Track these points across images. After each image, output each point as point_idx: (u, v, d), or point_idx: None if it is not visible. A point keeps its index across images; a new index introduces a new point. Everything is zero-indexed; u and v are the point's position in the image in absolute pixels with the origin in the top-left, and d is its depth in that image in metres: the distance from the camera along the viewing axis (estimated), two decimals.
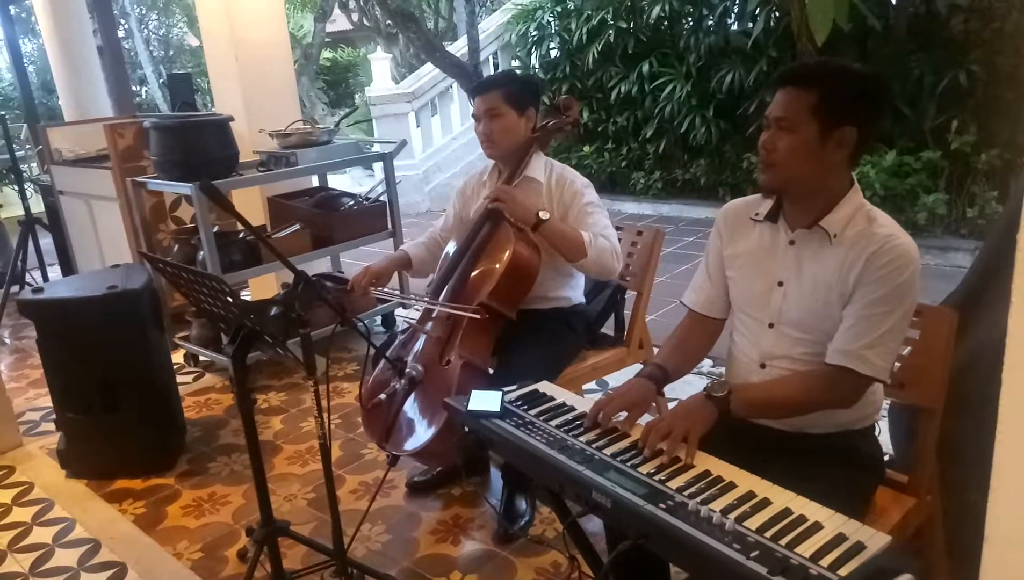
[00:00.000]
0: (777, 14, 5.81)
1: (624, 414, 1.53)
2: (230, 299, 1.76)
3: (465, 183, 2.59)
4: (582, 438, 1.45)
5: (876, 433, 1.65)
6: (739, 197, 1.74)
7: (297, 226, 3.60)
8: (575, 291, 2.47)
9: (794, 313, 1.55)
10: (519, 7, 7.87)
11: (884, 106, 2.06)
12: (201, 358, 3.82)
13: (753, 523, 1.17)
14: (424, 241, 2.59)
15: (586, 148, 7.26)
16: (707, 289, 1.75)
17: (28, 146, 6.92)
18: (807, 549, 1.11)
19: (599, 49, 6.96)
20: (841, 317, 1.49)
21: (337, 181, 6.62)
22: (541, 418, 1.54)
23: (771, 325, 1.59)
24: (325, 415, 1.69)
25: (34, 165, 6.92)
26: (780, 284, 1.58)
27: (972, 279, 2.03)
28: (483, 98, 2.32)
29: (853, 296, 1.48)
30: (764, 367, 1.61)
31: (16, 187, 5.03)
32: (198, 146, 3.36)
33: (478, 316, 2.16)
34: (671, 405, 1.63)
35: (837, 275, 1.49)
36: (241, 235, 3.53)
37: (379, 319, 4.15)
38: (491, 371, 2.28)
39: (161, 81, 12.99)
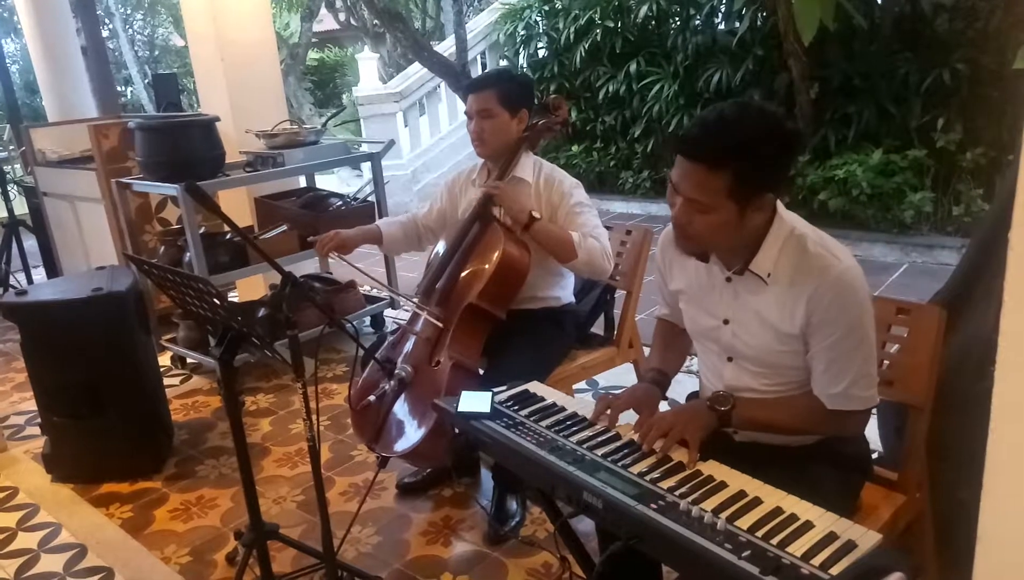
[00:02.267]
0: (764, 13, 5.84)
1: (622, 415, 1.53)
2: (217, 301, 1.75)
3: (454, 179, 2.57)
4: (573, 439, 1.44)
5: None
6: None
7: (284, 227, 3.57)
8: (565, 291, 2.47)
9: (748, 351, 1.52)
10: (507, 6, 7.86)
11: (798, 152, 2.02)
12: (188, 360, 3.79)
13: (744, 523, 1.17)
14: (402, 220, 2.57)
15: (574, 148, 7.26)
16: (665, 305, 1.78)
17: (11, 147, 6.84)
18: (798, 548, 1.11)
19: (587, 48, 6.96)
20: (798, 352, 1.46)
21: (325, 181, 6.58)
22: (532, 418, 1.53)
23: (729, 358, 1.57)
24: (314, 417, 1.68)
25: (17, 166, 6.84)
26: (726, 322, 1.54)
27: (959, 277, 2.04)
28: (477, 97, 2.29)
29: (810, 340, 1.43)
30: None
31: None
32: (184, 147, 3.34)
33: (441, 325, 2.22)
34: (663, 405, 1.63)
35: (779, 314, 1.45)
36: (228, 236, 3.50)
37: (368, 320, 4.13)
38: (481, 371, 2.28)
39: (146, 81, 12.91)
